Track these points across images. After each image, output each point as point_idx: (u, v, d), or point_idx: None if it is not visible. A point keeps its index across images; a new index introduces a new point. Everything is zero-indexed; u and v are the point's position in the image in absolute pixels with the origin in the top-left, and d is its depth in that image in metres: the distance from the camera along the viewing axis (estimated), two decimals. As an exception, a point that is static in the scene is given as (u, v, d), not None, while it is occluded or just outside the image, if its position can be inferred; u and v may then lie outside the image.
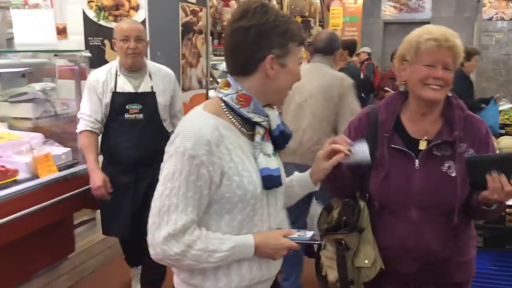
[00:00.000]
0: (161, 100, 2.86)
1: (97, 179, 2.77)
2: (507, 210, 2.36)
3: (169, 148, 1.29)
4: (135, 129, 2.81)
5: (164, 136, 2.70)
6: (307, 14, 8.83)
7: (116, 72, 2.80)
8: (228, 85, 1.33)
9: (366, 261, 1.58)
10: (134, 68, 2.82)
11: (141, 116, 2.80)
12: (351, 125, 1.79)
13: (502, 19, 10.15)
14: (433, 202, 1.60)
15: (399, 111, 1.70)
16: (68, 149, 3.03)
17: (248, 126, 1.35)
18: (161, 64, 3.01)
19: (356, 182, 1.71)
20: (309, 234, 1.39)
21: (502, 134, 4.53)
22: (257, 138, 1.34)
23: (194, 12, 4.31)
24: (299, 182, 1.54)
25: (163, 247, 1.25)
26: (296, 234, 1.38)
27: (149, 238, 1.28)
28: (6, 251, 2.47)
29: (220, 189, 1.28)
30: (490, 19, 10.21)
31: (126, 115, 2.80)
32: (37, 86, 3.33)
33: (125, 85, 2.80)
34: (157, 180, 1.29)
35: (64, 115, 3.29)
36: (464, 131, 1.62)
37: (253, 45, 1.27)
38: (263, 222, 1.36)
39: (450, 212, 1.60)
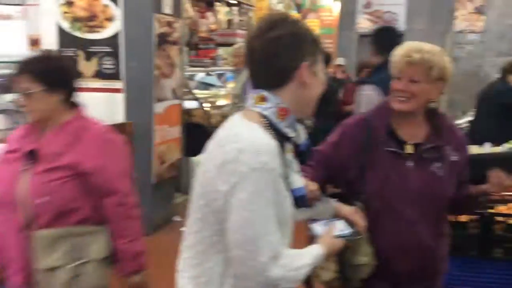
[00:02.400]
0: None
1: None
2: (472, 217, 2.42)
3: (236, 167, 1.17)
4: None
5: None
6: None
7: None
8: (264, 99, 1.27)
9: (365, 258, 1.63)
10: None
11: None
12: (346, 127, 1.84)
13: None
14: (426, 201, 1.71)
15: (390, 116, 1.78)
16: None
17: (278, 142, 1.27)
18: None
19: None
20: (345, 229, 1.48)
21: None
22: (289, 156, 1.30)
23: (169, 24, 4.33)
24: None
25: (265, 274, 1.18)
26: (338, 231, 1.44)
27: (244, 270, 1.21)
28: None
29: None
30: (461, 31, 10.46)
31: None
32: (7, 97, 3.29)
33: None
34: None
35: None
36: (448, 136, 1.76)
37: (288, 54, 1.25)
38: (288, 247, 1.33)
39: (440, 209, 1.75)
